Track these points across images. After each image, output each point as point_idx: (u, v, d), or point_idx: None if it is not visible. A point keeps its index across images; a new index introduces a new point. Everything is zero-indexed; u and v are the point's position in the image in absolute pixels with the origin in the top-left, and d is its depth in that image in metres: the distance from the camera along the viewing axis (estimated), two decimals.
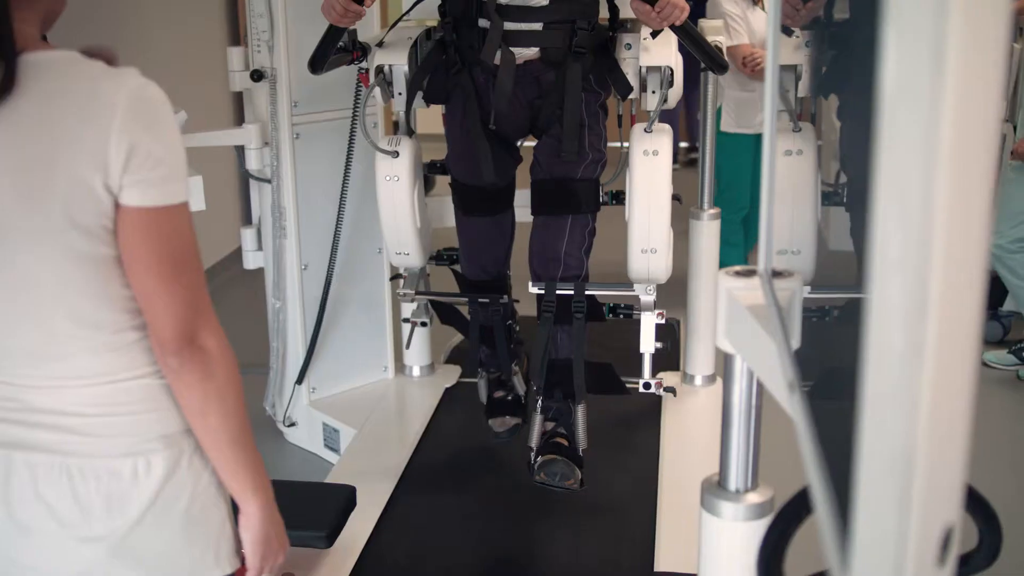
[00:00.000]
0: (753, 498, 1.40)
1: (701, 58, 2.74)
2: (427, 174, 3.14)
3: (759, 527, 1.40)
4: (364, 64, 3.00)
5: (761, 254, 1.28)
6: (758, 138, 4.87)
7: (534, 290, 2.78)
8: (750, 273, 1.38)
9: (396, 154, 2.84)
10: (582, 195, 2.69)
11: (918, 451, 0.57)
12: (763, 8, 4.81)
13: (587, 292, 2.75)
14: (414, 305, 3.20)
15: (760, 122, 4.86)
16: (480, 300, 2.93)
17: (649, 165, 2.70)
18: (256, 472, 1.51)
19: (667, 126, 2.76)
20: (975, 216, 0.56)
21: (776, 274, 1.31)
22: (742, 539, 1.41)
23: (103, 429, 1.44)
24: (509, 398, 3.03)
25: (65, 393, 1.44)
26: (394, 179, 2.87)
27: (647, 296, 2.83)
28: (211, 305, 1.42)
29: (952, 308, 0.56)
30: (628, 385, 2.97)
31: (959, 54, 0.51)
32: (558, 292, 2.73)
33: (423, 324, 3.24)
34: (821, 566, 1.31)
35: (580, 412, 2.77)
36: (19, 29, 1.33)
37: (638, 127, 2.77)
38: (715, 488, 1.44)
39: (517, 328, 3.13)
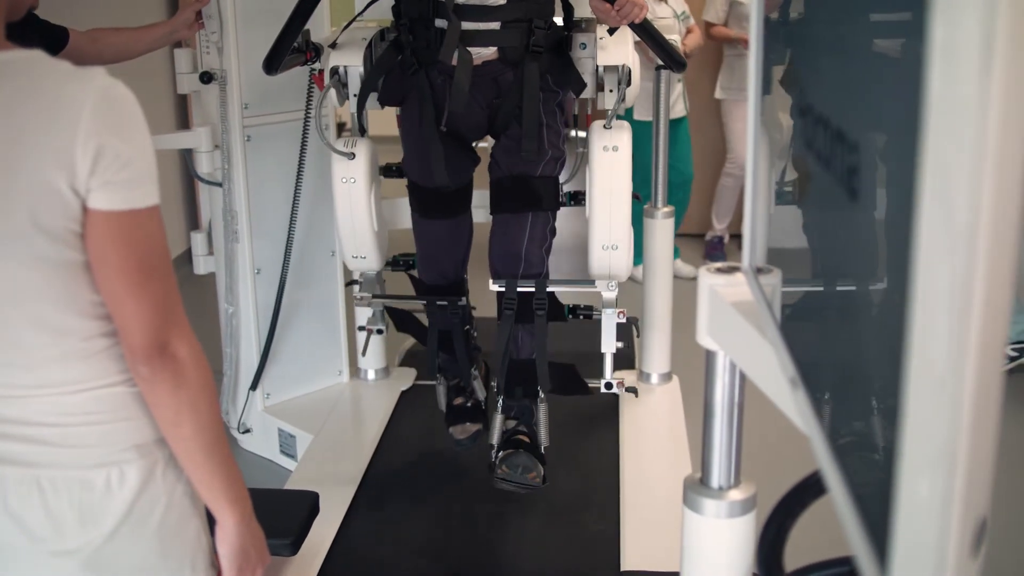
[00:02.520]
0: (736, 495, 1.40)
1: (660, 56, 2.75)
2: (382, 175, 3.11)
3: (743, 524, 1.40)
4: (317, 65, 2.97)
5: (745, 252, 1.28)
6: (669, 124, 5.00)
7: (495, 287, 2.76)
8: (731, 270, 1.38)
9: (352, 156, 2.81)
10: (542, 192, 2.68)
11: (961, 446, 0.57)
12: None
13: (548, 290, 2.74)
14: (370, 312, 3.14)
15: (670, 106, 4.95)
16: (438, 303, 2.91)
17: (609, 160, 2.70)
18: (232, 483, 1.47)
19: (626, 123, 2.76)
20: (1013, 212, 0.56)
21: (759, 271, 1.32)
22: (726, 536, 1.41)
23: (73, 439, 1.41)
24: (469, 404, 3.00)
25: (32, 403, 1.40)
26: (351, 181, 2.83)
27: (609, 293, 2.82)
28: (183, 312, 1.39)
29: (992, 304, 0.56)
30: (589, 386, 2.96)
31: (1008, 52, 0.51)
32: (519, 290, 2.72)
33: (379, 331, 3.19)
34: (818, 556, 1.32)
35: (542, 411, 2.77)
36: None
37: (597, 124, 2.77)
38: (697, 485, 1.44)
39: (475, 334, 3.11)
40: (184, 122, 3.65)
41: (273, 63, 2.70)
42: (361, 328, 3.27)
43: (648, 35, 2.62)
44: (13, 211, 1.29)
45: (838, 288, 1.05)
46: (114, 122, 1.28)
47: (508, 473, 2.68)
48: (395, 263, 3.19)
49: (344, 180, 2.84)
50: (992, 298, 0.56)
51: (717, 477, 1.42)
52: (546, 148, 2.65)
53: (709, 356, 1.39)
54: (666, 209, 3.58)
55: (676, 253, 5.17)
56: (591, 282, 2.86)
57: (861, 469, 0.75)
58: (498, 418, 2.80)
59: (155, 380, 1.36)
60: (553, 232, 2.76)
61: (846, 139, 0.83)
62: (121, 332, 1.35)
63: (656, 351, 3.67)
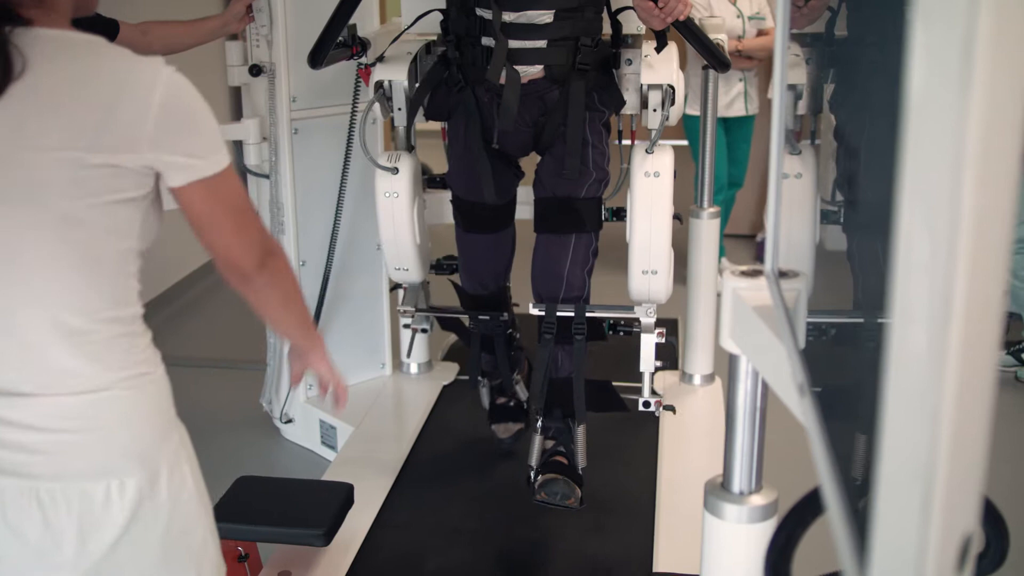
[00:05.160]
0: (757, 500, 1.39)
1: (703, 55, 2.73)
2: (426, 187, 3.12)
3: (763, 530, 1.39)
4: (363, 59, 2.98)
5: (768, 255, 1.27)
6: (725, 122, 5.04)
7: (535, 311, 2.79)
8: (755, 273, 1.37)
9: (396, 170, 2.82)
10: (585, 214, 2.69)
11: (939, 460, 0.56)
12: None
13: (588, 315, 2.75)
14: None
15: (725, 105, 4.94)
16: (480, 317, 2.94)
17: (650, 187, 2.69)
18: (315, 329, 1.84)
19: (668, 146, 2.75)
20: (998, 223, 0.55)
21: (782, 274, 1.30)
22: (746, 542, 1.40)
23: (73, 448, 1.41)
24: (511, 404, 3.05)
25: (35, 405, 1.40)
26: (393, 195, 2.85)
27: (647, 318, 2.81)
28: (263, 226, 1.57)
29: (975, 316, 0.55)
30: (626, 398, 2.95)
31: (988, 54, 0.50)
32: (559, 314, 2.73)
33: (423, 331, 3.22)
34: (829, 568, 1.30)
35: (580, 432, 2.78)
36: (36, 14, 1.34)
37: (640, 147, 2.75)
38: (718, 490, 1.43)
39: (518, 335, 3.13)
40: (238, 114, 3.69)
41: (317, 57, 2.71)
42: (406, 326, 3.28)
43: (691, 33, 2.60)
44: (49, 196, 1.32)
45: (865, 313, 1.03)
46: (182, 116, 1.38)
47: (546, 499, 2.70)
48: (439, 267, 3.20)
49: (387, 194, 2.86)
50: (974, 304, 0.54)
51: (738, 482, 1.41)
52: (590, 169, 2.64)
53: (732, 360, 1.37)
54: (712, 209, 3.55)
55: (722, 252, 5.15)
56: (630, 308, 2.86)
57: (855, 482, 0.74)
58: (536, 439, 2.81)
59: (265, 287, 1.57)
60: (596, 252, 2.77)
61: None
62: (229, 265, 1.53)
63: (699, 352, 3.65)
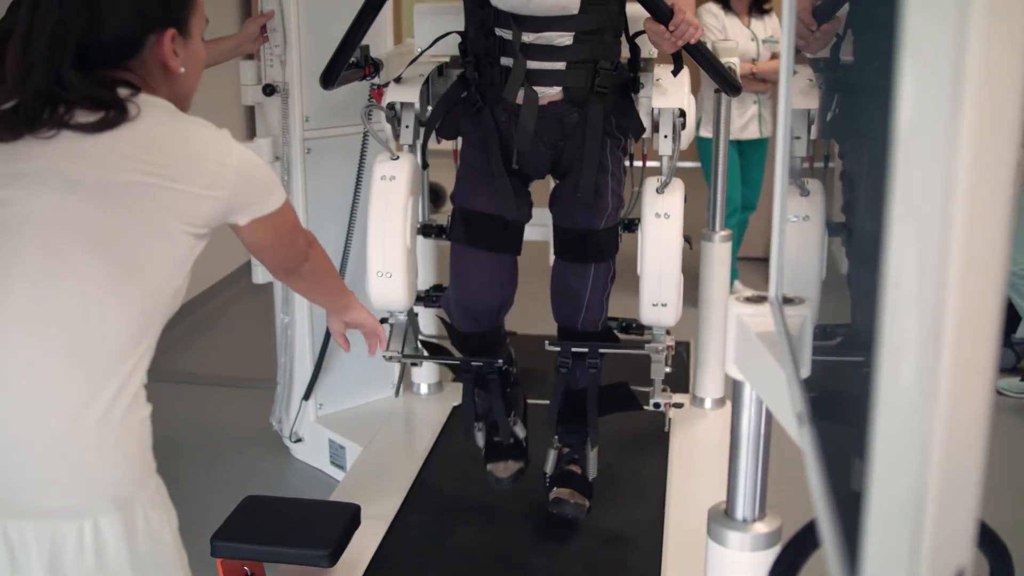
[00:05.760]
0: (760, 528, 1.38)
1: (714, 79, 2.72)
2: (435, 189, 3.10)
3: (766, 558, 1.38)
4: (376, 80, 2.99)
5: (772, 281, 1.26)
6: (739, 144, 5.08)
7: (551, 348, 2.80)
8: (760, 299, 1.36)
9: (396, 156, 2.75)
10: (604, 244, 2.70)
11: (929, 493, 0.55)
12: (744, 21, 4.94)
13: (601, 350, 2.78)
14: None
15: (740, 127, 4.94)
16: (473, 363, 2.80)
17: (661, 227, 2.69)
18: (350, 293, 2.13)
19: (679, 182, 2.75)
20: (992, 251, 0.54)
21: (787, 301, 1.29)
22: (749, 570, 1.39)
23: (50, 478, 1.39)
24: (511, 441, 2.92)
25: (21, 423, 1.39)
26: (390, 178, 2.70)
27: (657, 360, 2.87)
28: (302, 227, 1.84)
29: (966, 346, 0.54)
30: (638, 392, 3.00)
31: (977, 84, 0.49)
32: (574, 349, 2.77)
33: (413, 364, 3.18)
34: None
35: (593, 453, 2.83)
36: (146, 88, 1.57)
37: (651, 183, 2.74)
38: (722, 517, 1.42)
39: (515, 371, 3.00)
40: (252, 133, 3.72)
41: (329, 77, 2.72)
42: (389, 358, 2.98)
43: (702, 57, 2.59)
44: (118, 256, 1.46)
45: (861, 339, 1.02)
46: (250, 183, 1.60)
47: (556, 513, 2.77)
48: (427, 298, 3.03)
49: (383, 177, 2.71)
50: (966, 330, 0.53)
51: (742, 509, 1.40)
52: (607, 198, 2.64)
53: (736, 386, 1.37)
54: (723, 233, 3.54)
55: (735, 275, 5.13)
56: (641, 346, 2.88)
57: (850, 512, 0.73)
58: (552, 452, 2.87)
59: (309, 274, 1.90)
60: (613, 277, 2.79)
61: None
62: (280, 270, 1.89)
63: (710, 375, 3.63)
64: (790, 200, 2.59)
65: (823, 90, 2.58)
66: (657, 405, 3.07)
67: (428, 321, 3.52)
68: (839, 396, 0.98)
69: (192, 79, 1.67)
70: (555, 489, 2.79)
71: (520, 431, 2.92)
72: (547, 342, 2.81)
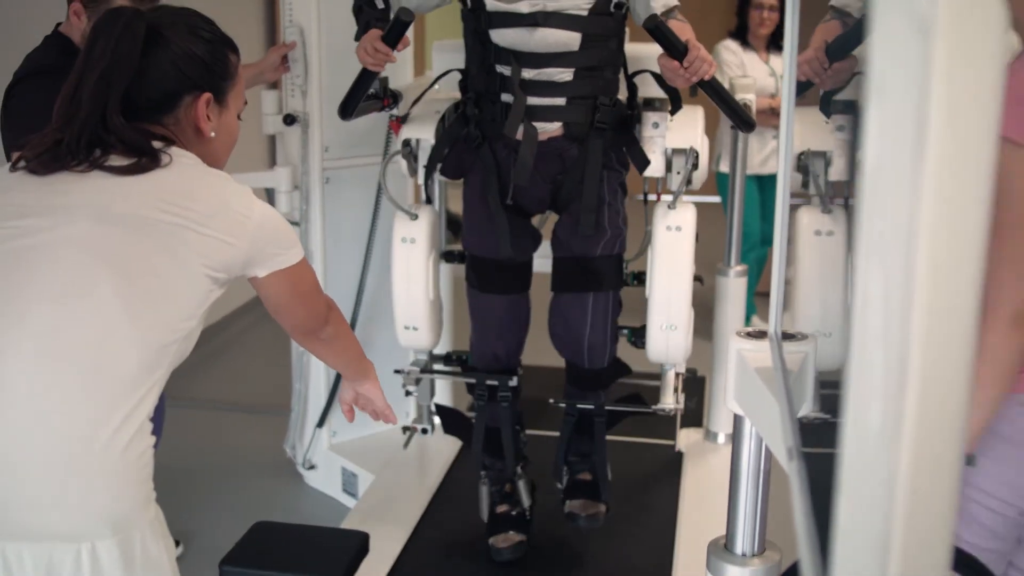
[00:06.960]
0: (758, 563, 1.38)
1: (728, 115, 2.73)
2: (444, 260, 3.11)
3: None
4: (395, 111, 3.02)
5: (772, 317, 1.27)
6: (759, 179, 5.08)
7: (557, 404, 2.83)
8: (762, 335, 1.37)
9: (415, 216, 2.83)
10: (603, 272, 2.67)
11: (895, 534, 0.56)
12: (762, 56, 4.96)
13: (609, 408, 2.80)
14: (413, 413, 3.11)
15: (760, 162, 4.94)
16: (488, 382, 2.83)
17: (671, 240, 2.69)
18: (368, 362, 2.10)
19: (691, 203, 2.76)
20: (961, 294, 0.55)
21: (787, 336, 1.30)
22: None
23: (50, 499, 1.40)
24: (514, 513, 2.89)
25: (29, 441, 1.40)
26: (410, 241, 2.81)
27: (670, 406, 2.86)
28: (322, 291, 1.86)
29: (935, 386, 0.55)
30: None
31: (940, 129, 0.51)
32: (579, 407, 2.80)
33: (423, 431, 3.20)
34: None
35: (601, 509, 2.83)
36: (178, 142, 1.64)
37: (662, 203, 2.76)
38: (721, 551, 1.42)
39: (524, 437, 3.00)
40: (274, 162, 3.77)
41: (348, 108, 2.75)
42: (405, 429, 3.22)
43: (716, 93, 2.60)
44: (139, 299, 1.49)
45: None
46: (268, 239, 1.64)
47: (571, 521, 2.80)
48: (447, 358, 3.15)
49: (404, 239, 2.82)
50: (931, 377, 0.54)
51: (741, 544, 1.40)
52: (605, 227, 2.64)
53: (737, 421, 1.37)
54: (739, 268, 3.54)
55: (752, 310, 5.13)
56: (651, 412, 2.89)
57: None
58: (564, 471, 2.89)
59: (329, 339, 1.92)
60: (619, 306, 2.76)
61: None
62: (300, 332, 1.90)
63: (724, 410, 3.62)
64: (811, 216, 2.62)
65: (846, 131, 2.61)
66: (663, 410, 2.92)
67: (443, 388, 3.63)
68: (833, 432, 0.98)
69: (222, 148, 1.75)
70: (567, 503, 2.82)
71: (525, 499, 2.88)
72: (551, 400, 2.85)
